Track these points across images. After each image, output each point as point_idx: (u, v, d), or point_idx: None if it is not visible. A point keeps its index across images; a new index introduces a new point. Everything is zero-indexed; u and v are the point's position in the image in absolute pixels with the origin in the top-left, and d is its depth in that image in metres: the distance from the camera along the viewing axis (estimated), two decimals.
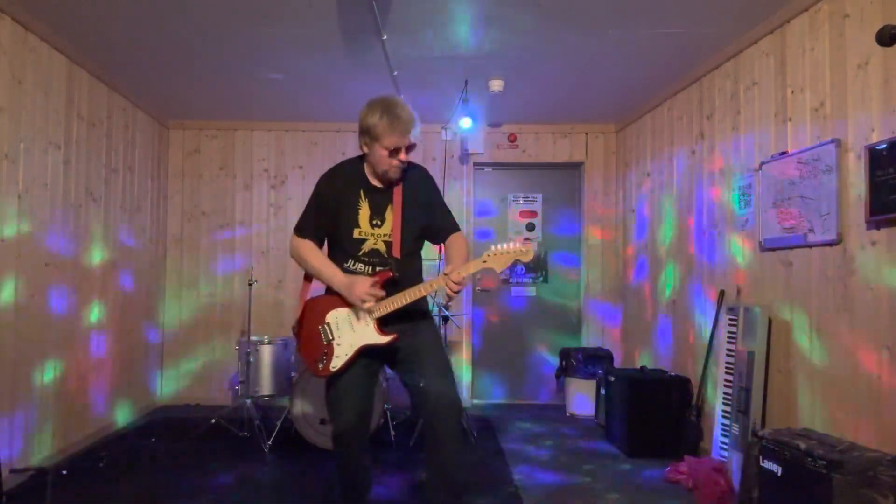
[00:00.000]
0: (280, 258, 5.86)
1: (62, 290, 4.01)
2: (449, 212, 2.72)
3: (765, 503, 2.88)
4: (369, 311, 2.47)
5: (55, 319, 3.93)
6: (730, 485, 3.39)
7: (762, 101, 3.65)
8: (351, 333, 2.51)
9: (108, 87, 4.61)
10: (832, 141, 3.02)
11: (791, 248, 3.35)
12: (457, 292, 2.41)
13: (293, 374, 4.63)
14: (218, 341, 5.78)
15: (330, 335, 2.53)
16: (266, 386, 4.55)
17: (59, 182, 3.97)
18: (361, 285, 2.44)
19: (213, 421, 4.62)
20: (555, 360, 5.67)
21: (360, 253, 2.54)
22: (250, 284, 4.67)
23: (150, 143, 5.45)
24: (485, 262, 2.42)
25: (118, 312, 4.82)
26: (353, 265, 2.56)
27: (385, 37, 3.81)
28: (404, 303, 2.46)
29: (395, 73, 4.44)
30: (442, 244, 2.69)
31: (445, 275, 2.41)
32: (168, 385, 5.76)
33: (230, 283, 5.83)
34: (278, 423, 4.41)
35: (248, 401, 4.54)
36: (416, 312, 2.59)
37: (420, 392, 2.49)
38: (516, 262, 2.41)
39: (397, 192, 2.57)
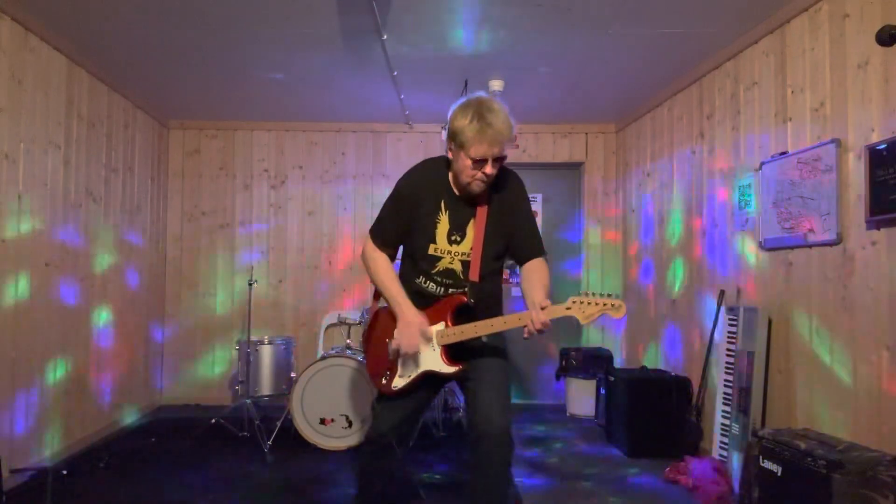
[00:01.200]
0: (280, 258, 5.87)
1: (62, 290, 4.01)
2: (536, 231, 2.41)
3: (765, 503, 2.88)
4: (436, 339, 2.29)
5: (54, 319, 3.93)
6: (730, 485, 3.40)
7: (762, 101, 3.65)
8: (417, 355, 2.30)
9: (108, 87, 4.61)
10: (832, 141, 3.01)
11: (791, 248, 3.35)
12: (541, 332, 2.13)
13: (293, 374, 4.63)
14: (218, 341, 5.78)
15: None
16: (266, 386, 4.56)
17: (59, 182, 3.97)
18: (414, 334, 2.24)
19: (213, 421, 4.62)
20: (555, 360, 5.67)
21: (434, 271, 2.32)
22: (250, 284, 4.67)
23: (150, 143, 5.46)
24: (568, 308, 2.17)
25: (117, 313, 4.82)
26: (425, 283, 2.35)
27: (385, 37, 3.81)
28: (474, 335, 2.25)
29: (395, 73, 4.44)
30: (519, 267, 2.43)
31: (531, 315, 2.12)
32: (168, 385, 5.76)
33: (230, 282, 5.83)
34: (278, 423, 4.41)
35: (248, 401, 4.55)
36: (488, 348, 2.35)
37: (470, 412, 2.31)
38: (602, 316, 2.14)
39: (482, 205, 2.30)
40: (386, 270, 2.37)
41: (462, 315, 2.29)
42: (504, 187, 2.35)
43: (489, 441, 2.21)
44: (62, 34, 3.86)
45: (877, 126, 2.77)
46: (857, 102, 2.90)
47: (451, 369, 2.27)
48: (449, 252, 2.31)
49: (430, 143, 5.91)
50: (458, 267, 2.32)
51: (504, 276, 6.16)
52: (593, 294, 2.17)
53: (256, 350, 4.55)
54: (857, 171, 2.88)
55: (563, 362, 5.47)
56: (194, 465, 3.95)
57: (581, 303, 2.16)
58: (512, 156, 5.93)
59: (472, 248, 2.28)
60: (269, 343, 4.60)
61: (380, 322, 2.44)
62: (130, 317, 5.05)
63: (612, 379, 4.60)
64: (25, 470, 3.50)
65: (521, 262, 2.40)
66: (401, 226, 2.36)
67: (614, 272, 5.93)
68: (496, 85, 4.70)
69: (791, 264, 3.36)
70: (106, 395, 4.64)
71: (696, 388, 4.20)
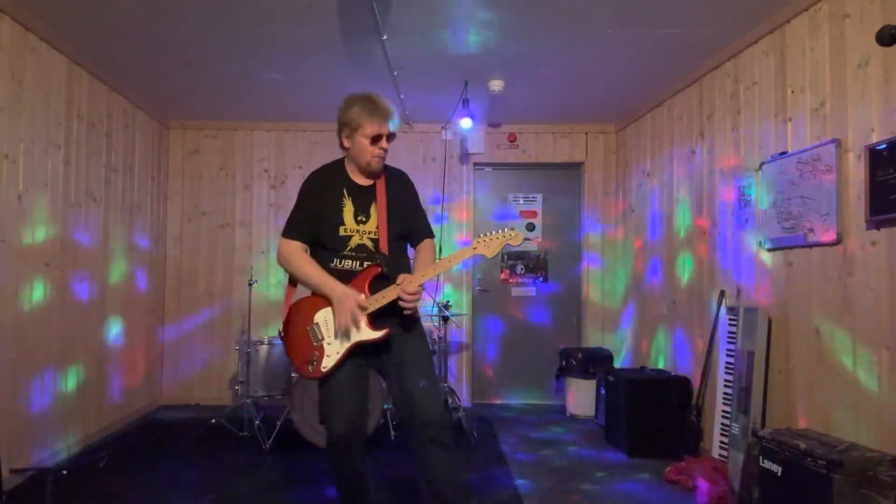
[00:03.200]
0: None
1: (62, 291, 4.01)
2: (426, 217, 2.75)
3: (765, 503, 2.88)
4: (362, 310, 2.42)
5: (54, 319, 3.93)
6: (730, 485, 3.40)
7: (762, 101, 3.65)
8: (353, 326, 2.43)
9: (108, 87, 4.61)
10: (832, 141, 3.02)
11: (791, 248, 3.35)
12: (412, 302, 2.38)
13: (293, 374, 4.63)
14: (218, 341, 5.78)
15: (319, 335, 2.46)
16: (266, 386, 4.55)
17: (59, 182, 3.97)
18: (351, 302, 2.39)
19: (213, 421, 4.62)
20: (555, 360, 5.67)
21: (347, 249, 2.51)
22: (250, 284, 4.66)
23: (150, 143, 5.46)
24: (475, 248, 2.45)
25: (117, 312, 4.82)
26: (341, 262, 2.51)
27: (385, 37, 3.81)
28: (395, 296, 2.40)
29: (395, 73, 4.44)
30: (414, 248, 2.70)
31: (397, 284, 2.38)
32: (168, 385, 5.76)
33: (230, 283, 5.83)
34: (278, 423, 4.41)
35: (248, 401, 4.54)
36: (411, 333, 2.55)
37: (409, 402, 2.42)
38: (506, 246, 2.48)
39: (380, 190, 2.56)
40: (305, 259, 2.54)
41: (378, 284, 2.46)
42: (395, 178, 2.66)
43: (434, 425, 2.38)
44: (62, 34, 3.86)
45: (877, 126, 2.77)
46: (857, 102, 2.90)
47: (377, 334, 2.42)
48: (357, 231, 2.53)
49: (429, 143, 5.92)
50: (368, 243, 2.53)
51: (504, 277, 6.17)
52: (493, 232, 2.48)
53: (256, 350, 4.55)
54: (857, 171, 2.88)
55: (563, 362, 5.47)
56: (194, 465, 3.95)
57: (484, 241, 2.46)
58: (512, 156, 5.99)
59: (377, 227, 2.53)
60: (269, 343, 4.60)
61: (296, 313, 2.54)
62: (130, 317, 5.05)
63: (611, 379, 4.60)
64: (25, 470, 3.50)
65: (414, 243, 2.70)
66: (310, 220, 2.57)
67: (614, 272, 5.94)
68: (496, 85, 4.70)
69: (791, 264, 3.36)
70: (105, 394, 4.64)
71: (696, 388, 4.20)
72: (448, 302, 4.98)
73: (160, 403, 5.68)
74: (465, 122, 5.08)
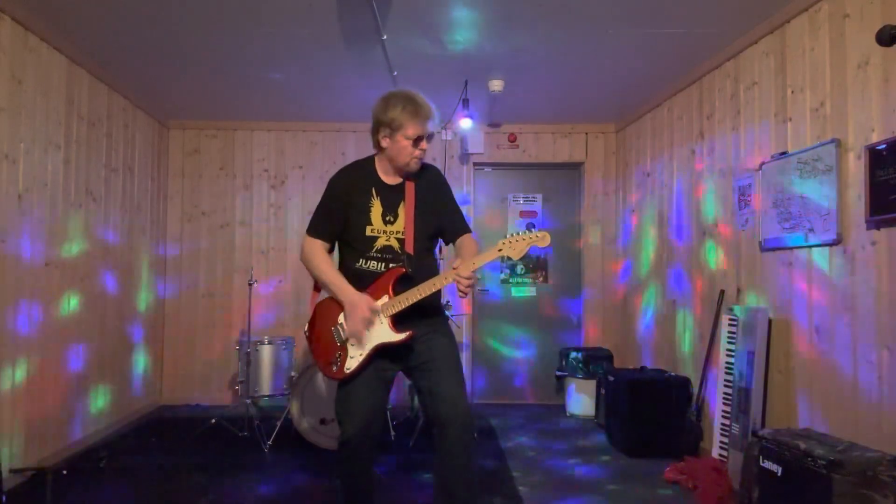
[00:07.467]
0: (280, 258, 5.87)
1: (61, 291, 4.01)
2: (461, 212, 2.70)
3: (765, 503, 2.88)
4: (381, 312, 2.43)
5: (53, 320, 3.93)
6: (730, 485, 3.40)
7: (762, 101, 3.65)
8: (365, 333, 2.44)
9: (108, 87, 4.61)
10: (832, 141, 3.02)
11: (791, 248, 3.35)
12: (468, 286, 2.37)
13: (293, 374, 4.63)
14: (218, 341, 5.78)
15: (343, 336, 2.46)
16: (266, 386, 4.55)
17: (59, 182, 3.97)
18: (363, 309, 2.40)
19: (213, 421, 4.62)
20: (555, 360, 5.67)
21: (373, 250, 2.49)
22: (250, 284, 4.67)
23: (150, 143, 5.45)
24: (500, 250, 2.39)
25: (118, 312, 4.82)
26: (366, 263, 2.50)
27: (385, 37, 3.81)
28: (418, 297, 2.40)
29: (395, 73, 4.44)
30: (453, 244, 2.66)
31: (454, 268, 2.37)
32: (168, 385, 5.76)
33: (230, 283, 5.83)
34: (278, 423, 4.41)
35: (248, 401, 4.55)
36: (431, 308, 2.54)
37: (433, 400, 2.41)
38: (532, 248, 2.40)
39: (410, 190, 2.53)
40: (324, 260, 2.55)
41: (402, 286, 2.45)
42: (426, 176, 2.61)
43: (457, 425, 2.36)
44: (62, 34, 3.85)
45: (877, 126, 2.77)
46: (857, 102, 2.90)
47: (399, 337, 2.41)
48: (384, 231, 2.51)
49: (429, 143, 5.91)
50: (394, 244, 2.51)
51: (505, 277, 6.15)
52: (519, 233, 2.41)
53: (256, 350, 4.55)
54: (857, 171, 2.88)
55: (563, 362, 5.47)
56: (194, 465, 3.95)
57: (510, 243, 2.39)
58: (512, 156, 5.99)
59: (404, 227, 2.50)
60: (269, 343, 4.60)
61: (321, 313, 2.55)
62: (130, 316, 5.05)
63: (611, 379, 4.60)
64: (25, 470, 3.50)
65: (452, 239, 2.65)
66: (336, 218, 2.54)
67: (613, 271, 5.94)
68: (496, 85, 4.70)
69: (791, 264, 3.36)
70: (105, 394, 4.64)
71: (696, 388, 4.20)
72: (448, 302, 4.97)
73: (160, 403, 5.68)
74: (465, 122, 5.08)
